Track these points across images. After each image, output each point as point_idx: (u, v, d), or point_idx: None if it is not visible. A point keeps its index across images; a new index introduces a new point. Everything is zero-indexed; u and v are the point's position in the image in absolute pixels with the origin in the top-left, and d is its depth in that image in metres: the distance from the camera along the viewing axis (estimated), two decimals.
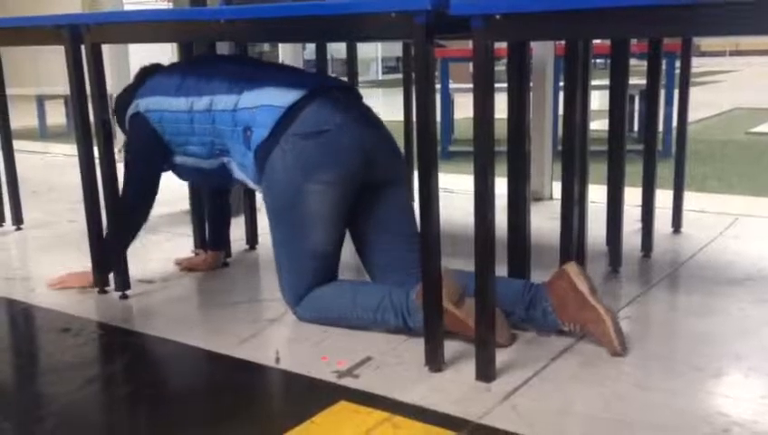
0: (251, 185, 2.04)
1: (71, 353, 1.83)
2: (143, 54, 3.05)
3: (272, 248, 1.96)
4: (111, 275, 2.19)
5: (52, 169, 4.64)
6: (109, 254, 2.19)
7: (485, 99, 1.49)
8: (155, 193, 2.15)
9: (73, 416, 1.52)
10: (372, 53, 14.83)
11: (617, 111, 2.22)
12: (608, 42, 2.29)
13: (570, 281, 1.73)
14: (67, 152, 5.15)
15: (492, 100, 1.50)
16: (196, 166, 2.10)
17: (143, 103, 2.08)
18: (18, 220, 3.01)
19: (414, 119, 3.29)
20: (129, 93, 2.17)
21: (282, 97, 1.88)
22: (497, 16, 1.40)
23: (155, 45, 2.29)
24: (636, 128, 5.03)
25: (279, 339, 1.86)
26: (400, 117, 3.19)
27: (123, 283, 2.17)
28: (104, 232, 2.19)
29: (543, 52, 3.20)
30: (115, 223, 2.16)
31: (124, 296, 2.17)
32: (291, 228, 1.90)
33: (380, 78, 14.74)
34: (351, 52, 3.08)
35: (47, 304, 2.16)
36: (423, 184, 1.57)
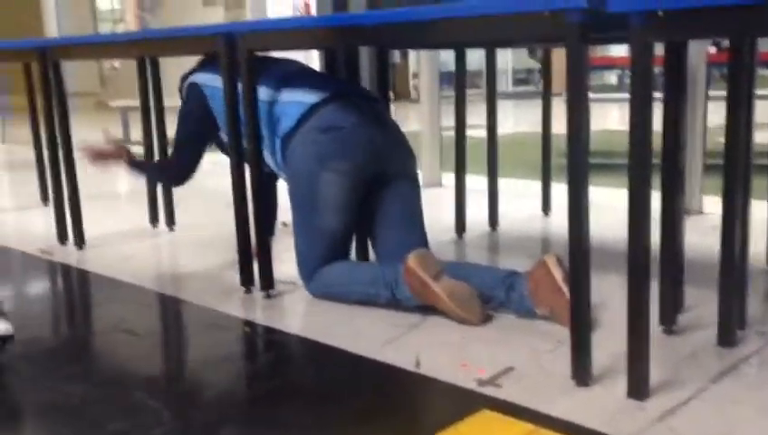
0: (276, 171, 2.29)
1: (221, 348, 1.91)
2: None
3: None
4: (257, 275, 2.26)
5: (199, 175, 4.88)
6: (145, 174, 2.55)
7: (644, 106, 1.42)
8: (189, 158, 2.43)
9: (224, 406, 1.58)
10: (502, 64, 14.69)
11: None
12: None
13: (546, 268, 1.89)
14: (213, 160, 5.41)
15: (651, 108, 1.43)
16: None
17: (201, 77, 2.34)
18: (171, 222, 3.19)
19: (552, 130, 3.25)
20: (192, 70, 2.40)
21: (309, 96, 2.17)
22: (660, 12, 1.34)
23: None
24: None
25: (419, 344, 1.85)
26: (529, 129, 3.13)
27: (267, 282, 2.24)
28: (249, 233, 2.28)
29: (695, 58, 3.04)
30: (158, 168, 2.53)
31: (268, 296, 2.24)
32: (306, 210, 2.15)
33: (510, 90, 14.56)
34: (492, 61, 3.04)
35: (196, 300, 2.27)
36: (573, 197, 1.51)
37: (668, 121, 1.79)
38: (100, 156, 2.48)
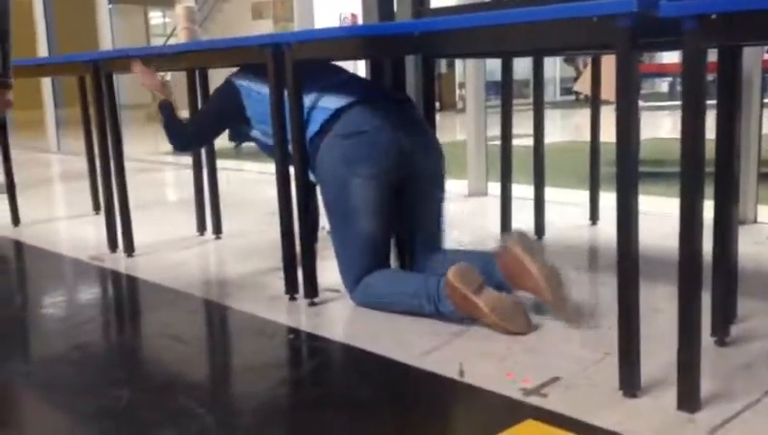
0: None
1: (265, 355, 1.92)
2: None
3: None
4: (301, 283, 2.28)
5: (245, 185, 4.96)
6: (164, 122, 2.55)
7: (697, 113, 1.38)
8: (199, 141, 2.70)
9: (268, 413, 1.59)
10: (550, 73, 14.58)
11: None
12: None
13: (512, 253, 1.99)
14: (259, 169, 5.48)
15: (704, 115, 1.39)
16: (265, 142, 2.40)
17: (239, 78, 2.41)
18: (218, 230, 3.23)
19: (600, 138, 3.20)
20: (235, 72, 2.50)
21: (334, 101, 2.19)
22: (713, 16, 1.31)
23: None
24: None
25: (462, 353, 1.83)
26: (576, 137, 3.08)
27: (312, 290, 2.25)
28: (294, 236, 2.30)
29: (749, 63, 2.96)
30: (177, 126, 2.54)
31: (312, 303, 2.24)
32: (340, 217, 2.17)
33: (558, 99, 14.44)
34: (539, 70, 3.02)
35: (241, 307, 2.29)
36: (622, 206, 1.48)
37: (722, 129, 1.74)
38: (149, 75, 2.61)
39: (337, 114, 2.16)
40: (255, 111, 2.34)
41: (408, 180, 2.19)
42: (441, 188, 2.28)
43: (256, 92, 2.32)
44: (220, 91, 2.46)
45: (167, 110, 2.55)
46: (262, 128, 2.36)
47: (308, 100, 2.22)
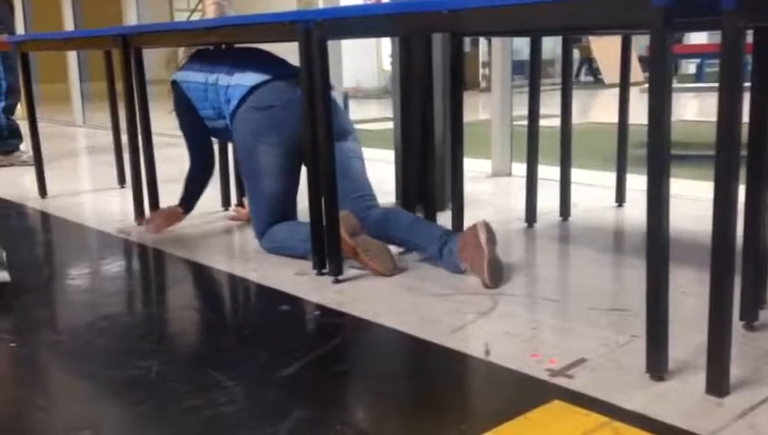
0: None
1: (291, 330, 1.94)
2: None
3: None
4: (327, 260, 2.29)
5: None
6: (186, 196, 2.87)
7: (734, 95, 1.36)
8: (202, 147, 2.81)
9: (293, 387, 1.61)
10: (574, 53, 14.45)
11: None
12: None
13: (474, 230, 2.19)
14: None
15: (741, 98, 1.37)
16: (214, 126, 2.71)
17: (179, 75, 2.74)
18: (242, 205, 3.25)
19: (629, 120, 3.17)
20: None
21: (251, 79, 2.52)
22: None
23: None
24: None
25: (488, 332, 1.84)
26: (600, 118, 3.04)
27: (337, 267, 2.26)
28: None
29: None
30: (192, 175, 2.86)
31: (337, 280, 2.26)
32: (251, 177, 2.54)
33: (582, 79, 14.27)
34: (567, 50, 2.98)
35: (268, 282, 2.30)
36: (653, 190, 1.46)
37: (756, 111, 1.72)
38: (161, 223, 2.90)
39: (252, 90, 2.49)
40: (196, 97, 2.65)
41: None
42: (348, 154, 2.52)
43: (192, 82, 2.65)
44: (174, 99, 2.77)
45: (188, 201, 2.90)
46: (204, 113, 2.67)
47: (227, 78, 2.55)
